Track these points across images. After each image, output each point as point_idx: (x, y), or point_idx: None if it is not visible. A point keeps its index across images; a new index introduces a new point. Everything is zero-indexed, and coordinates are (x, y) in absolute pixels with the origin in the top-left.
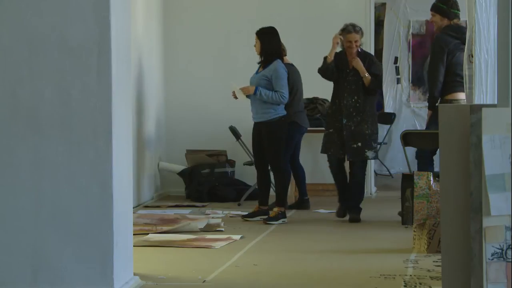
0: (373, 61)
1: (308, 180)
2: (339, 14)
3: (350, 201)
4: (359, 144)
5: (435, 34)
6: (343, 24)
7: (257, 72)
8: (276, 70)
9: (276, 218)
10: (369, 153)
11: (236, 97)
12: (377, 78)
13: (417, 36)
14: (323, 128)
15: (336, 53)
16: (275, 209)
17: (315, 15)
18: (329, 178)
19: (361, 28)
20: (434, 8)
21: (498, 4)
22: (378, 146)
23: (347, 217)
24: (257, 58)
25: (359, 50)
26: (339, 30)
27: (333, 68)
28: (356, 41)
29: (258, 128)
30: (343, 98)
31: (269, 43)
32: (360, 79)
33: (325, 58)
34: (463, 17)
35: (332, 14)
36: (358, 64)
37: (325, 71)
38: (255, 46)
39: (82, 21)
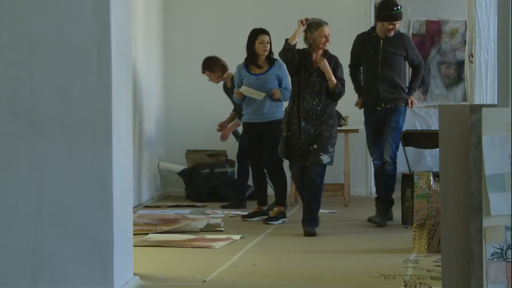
0: (338, 64)
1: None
2: (339, 14)
3: (305, 213)
4: (315, 146)
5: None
6: (343, 24)
7: (252, 73)
8: (284, 69)
9: (276, 218)
10: (324, 157)
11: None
12: (343, 83)
13: (417, 36)
14: None
15: (301, 50)
16: (275, 209)
17: (315, 15)
18: (329, 178)
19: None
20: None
21: (498, 4)
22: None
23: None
24: None
25: (326, 51)
26: (314, 24)
27: (295, 54)
28: (329, 35)
29: (260, 128)
30: (304, 100)
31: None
32: (324, 81)
33: (287, 40)
34: (463, 17)
35: (332, 14)
36: (326, 66)
37: (286, 52)
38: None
39: (82, 21)
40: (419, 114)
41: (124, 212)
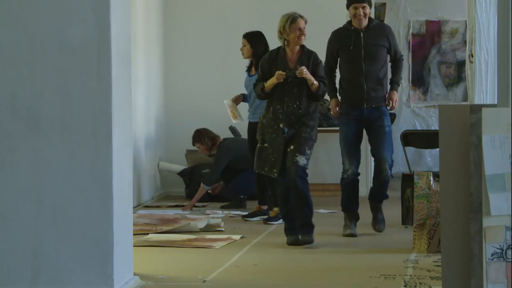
0: (318, 61)
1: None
2: (339, 15)
3: (297, 220)
4: (291, 147)
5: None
6: (343, 25)
7: (251, 75)
8: None
9: (276, 218)
10: (299, 158)
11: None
12: (324, 81)
13: (417, 36)
14: (323, 128)
15: (273, 51)
16: (275, 209)
17: (315, 15)
18: (329, 178)
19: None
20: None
21: (498, 4)
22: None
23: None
24: None
25: (303, 47)
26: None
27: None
28: (304, 28)
29: None
30: (283, 104)
31: (264, 46)
32: (304, 80)
33: (263, 87)
34: (463, 17)
35: (332, 15)
36: (306, 75)
37: (261, 96)
38: (241, 49)
39: (82, 21)
40: (419, 114)
41: (124, 212)
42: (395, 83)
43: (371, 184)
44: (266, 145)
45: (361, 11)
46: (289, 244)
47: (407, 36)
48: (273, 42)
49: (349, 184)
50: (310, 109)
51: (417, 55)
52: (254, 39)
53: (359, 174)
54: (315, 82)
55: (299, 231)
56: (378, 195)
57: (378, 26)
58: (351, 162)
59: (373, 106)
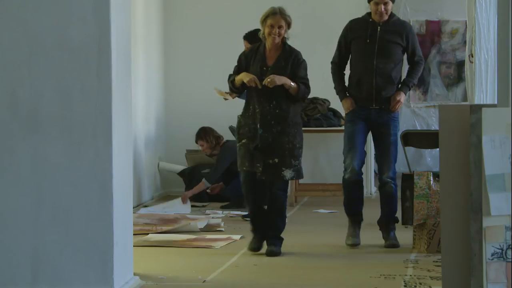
0: (300, 61)
1: (308, 180)
2: (339, 15)
3: (268, 230)
4: (276, 160)
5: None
6: (342, 24)
7: None
8: None
9: None
10: (287, 173)
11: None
12: (306, 83)
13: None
14: (323, 128)
15: (256, 45)
16: None
17: (315, 15)
18: (329, 178)
19: (290, 18)
20: None
21: (498, 4)
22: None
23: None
24: None
25: (285, 43)
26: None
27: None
28: (280, 27)
29: None
30: (259, 103)
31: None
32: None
33: (234, 80)
34: (463, 17)
35: (332, 15)
36: (278, 82)
37: (235, 91)
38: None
39: (82, 21)
40: (419, 114)
41: (124, 212)
42: (405, 84)
43: (372, 184)
44: (244, 141)
45: (382, 8)
46: (250, 250)
47: None
48: None
49: (351, 185)
50: (290, 111)
51: None
52: (254, 39)
53: (361, 173)
54: (292, 84)
55: (268, 241)
56: (386, 213)
57: (398, 23)
58: (353, 158)
59: (382, 107)
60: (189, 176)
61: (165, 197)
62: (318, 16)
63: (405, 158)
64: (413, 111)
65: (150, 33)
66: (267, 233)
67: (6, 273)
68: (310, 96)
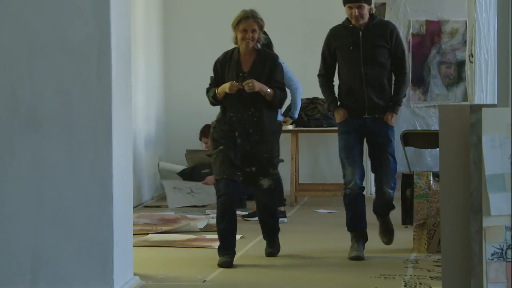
0: (276, 64)
1: (308, 180)
2: (339, 15)
3: (264, 233)
4: (253, 169)
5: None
6: (341, 21)
7: None
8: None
9: (254, 214)
10: (264, 181)
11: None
12: (282, 87)
13: (417, 36)
14: (323, 128)
15: (229, 51)
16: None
17: (315, 15)
18: (329, 178)
19: (263, 20)
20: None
21: (498, 4)
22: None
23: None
24: None
25: (258, 47)
26: None
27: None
28: (253, 31)
29: None
30: (237, 110)
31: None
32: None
33: (215, 94)
34: (463, 17)
35: (332, 15)
36: (256, 87)
37: (217, 104)
38: None
39: (82, 21)
40: (419, 114)
41: (124, 212)
42: (395, 103)
43: (372, 184)
44: (221, 147)
45: (356, 12)
46: (219, 265)
47: (407, 36)
48: (274, 42)
49: (354, 201)
50: (267, 119)
51: (417, 55)
52: None
53: (363, 188)
54: (268, 91)
55: (267, 243)
56: (382, 213)
57: (380, 24)
58: (353, 172)
59: (377, 116)
60: (189, 176)
61: (165, 197)
62: (319, 16)
63: (405, 158)
64: (413, 111)
65: (150, 33)
66: (264, 237)
67: (6, 273)
68: (310, 96)
